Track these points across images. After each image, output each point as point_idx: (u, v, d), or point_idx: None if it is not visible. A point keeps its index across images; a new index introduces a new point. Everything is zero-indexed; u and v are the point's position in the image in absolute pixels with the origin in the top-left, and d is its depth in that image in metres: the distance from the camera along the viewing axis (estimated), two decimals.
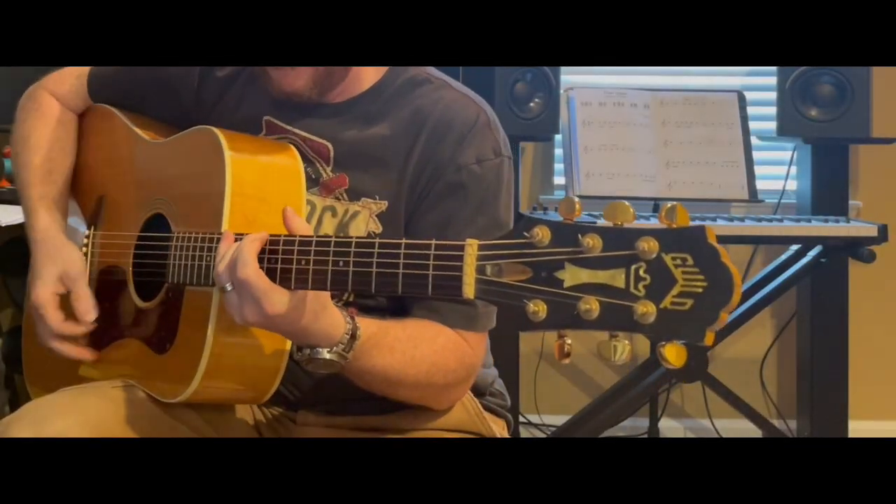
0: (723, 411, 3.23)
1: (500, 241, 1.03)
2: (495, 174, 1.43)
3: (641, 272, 0.95)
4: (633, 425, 3.30)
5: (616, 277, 0.96)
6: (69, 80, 1.64)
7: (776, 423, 3.22)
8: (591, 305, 0.96)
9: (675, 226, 0.95)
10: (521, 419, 3.24)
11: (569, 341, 1.01)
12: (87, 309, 1.46)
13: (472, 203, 1.41)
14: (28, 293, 1.55)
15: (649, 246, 0.95)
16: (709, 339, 0.94)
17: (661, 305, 0.94)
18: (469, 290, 1.05)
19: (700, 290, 0.93)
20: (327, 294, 1.23)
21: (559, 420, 3.22)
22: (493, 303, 1.04)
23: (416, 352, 1.34)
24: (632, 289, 0.95)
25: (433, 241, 1.09)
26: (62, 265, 1.48)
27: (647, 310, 0.94)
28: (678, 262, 0.94)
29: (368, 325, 1.28)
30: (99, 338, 1.50)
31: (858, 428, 3.19)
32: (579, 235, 0.98)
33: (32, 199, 1.57)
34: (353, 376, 1.32)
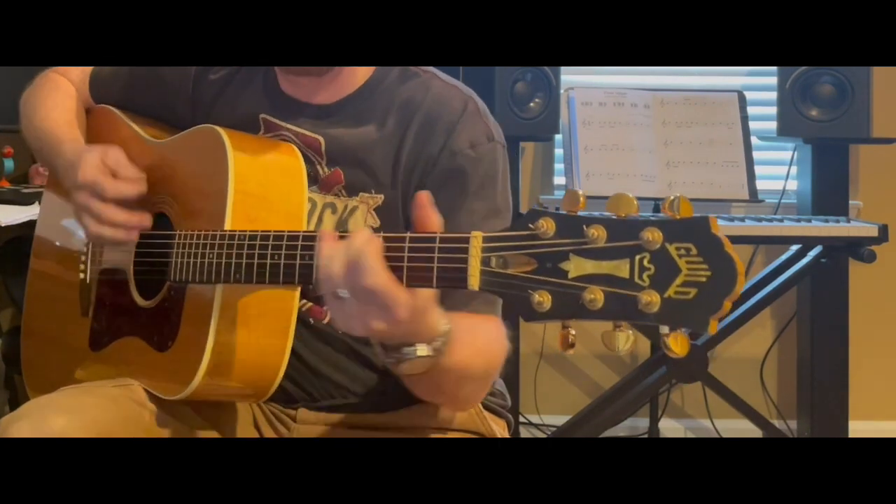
0: (723, 411, 3.23)
1: (505, 232, 1.04)
2: (491, 159, 1.42)
3: (646, 262, 0.96)
4: (633, 425, 3.30)
5: (620, 268, 0.97)
6: (75, 72, 1.65)
7: (776, 423, 3.22)
8: (595, 295, 0.97)
9: (678, 217, 0.96)
10: (521, 419, 3.24)
11: (573, 332, 1.01)
12: (137, 182, 1.41)
13: (470, 187, 1.40)
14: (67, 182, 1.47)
15: (653, 236, 0.95)
16: (712, 327, 0.95)
17: (666, 294, 0.95)
18: (474, 282, 1.05)
19: (704, 279, 0.94)
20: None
21: (559, 420, 3.22)
22: (498, 294, 1.04)
23: (477, 341, 1.29)
24: (636, 279, 0.96)
25: (437, 234, 1.09)
26: (102, 148, 1.43)
27: (651, 299, 0.95)
28: (682, 251, 0.95)
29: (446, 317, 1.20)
30: (99, 337, 1.50)
31: (858, 428, 3.19)
32: (584, 227, 0.98)
33: (56, 140, 1.53)
34: (429, 376, 1.22)
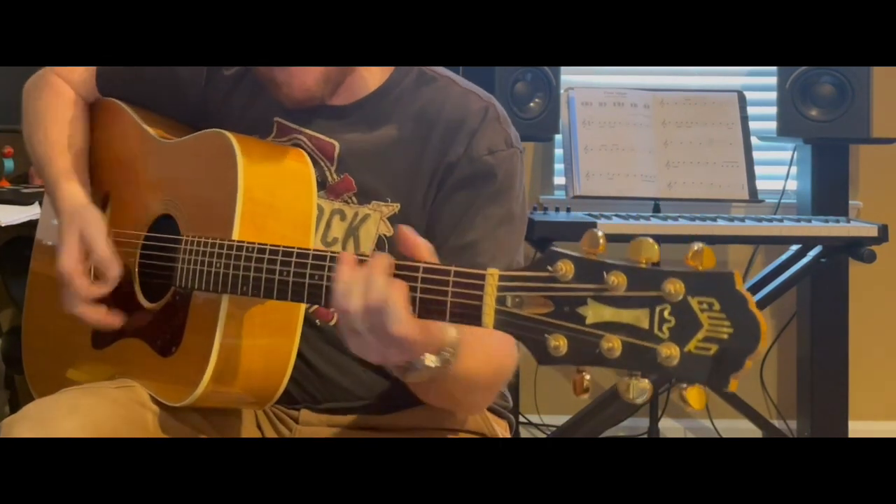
0: (723, 411, 3.23)
1: (522, 272, 1.01)
2: (509, 165, 1.42)
3: (666, 314, 0.93)
4: (633, 425, 3.30)
5: (640, 318, 0.94)
6: (79, 70, 1.62)
7: (776, 423, 3.23)
8: (613, 344, 0.95)
9: (701, 268, 0.93)
10: (521, 419, 3.24)
11: (587, 377, 0.98)
12: (109, 266, 1.42)
13: (485, 193, 1.40)
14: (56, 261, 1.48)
15: (675, 288, 0.93)
16: (733, 385, 0.92)
17: (686, 349, 0.93)
18: (488, 321, 1.03)
19: (726, 336, 0.92)
20: None
21: (559, 420, 3.22)
22: (512, 335, 1.02)
23: (487, 350, 1.27)
24: (656, 330, 0.94)
25: (453, 268, 1.07)
26: (80, 226, 1.45)
27: (670, 352, 0.93)
28: (704, 306, 0.92)
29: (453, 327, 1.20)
30: (102, 336, 1.50)
31: (858, 428, 3.19)
32: (604, 273, 0.96)
33: (54, 173, 1.54)
34: (437, 384, 1.22)
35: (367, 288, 1.07)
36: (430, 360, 1.14)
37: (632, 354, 0.95)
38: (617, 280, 0.96)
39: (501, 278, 1.02)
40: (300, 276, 1.19)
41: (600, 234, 0.98)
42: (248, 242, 1.26)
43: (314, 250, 1.19)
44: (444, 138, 1.42)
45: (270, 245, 1.24)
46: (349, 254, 1.12)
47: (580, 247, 0.99)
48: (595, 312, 0.97)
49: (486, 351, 1.24)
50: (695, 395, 0.94)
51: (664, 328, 0.94)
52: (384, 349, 1.09)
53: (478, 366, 1.23)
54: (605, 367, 0.96)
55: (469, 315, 1.04)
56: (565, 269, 0.98)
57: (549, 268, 0.99)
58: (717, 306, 0.92)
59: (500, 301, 1.02)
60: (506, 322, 1.02)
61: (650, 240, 0.96)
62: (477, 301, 1.03)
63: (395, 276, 1.08)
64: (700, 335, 0.92)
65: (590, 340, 0.96)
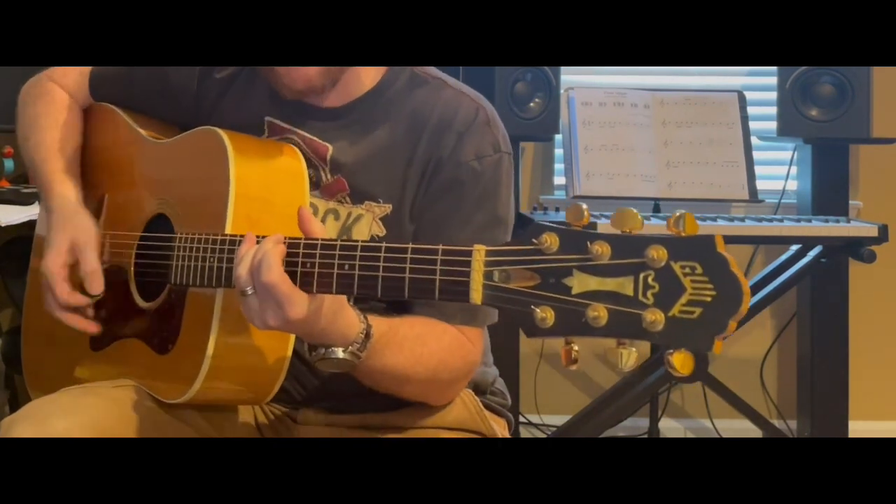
0: (723, 411, 3.23)
1: (508, 246, 1.03)
2: (493, 170, 1.43)
3: (650, 280, 0.95)
4: (633, 425, 3.30)
5: (624, 285, 0.96)
6: (72, 75, 1.63)
7: (776, 423, 3.22)
8: (599, 313, 0.97)
9: (683, 234, 0.95)
10: (521, 419, 3.24)
11: (576, 348, 1.01)
12: (94, 281, 1.43)
13: (470, 199, 1.41)
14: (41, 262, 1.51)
15: (658, 254, 0.95)
16: (717, 347, 0.94)
17: (670, 313, 0.94)
18: (476, 296, 1.05)
19: (709, 298, 0.93)
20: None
21: (559, 420, 3.22)
22: (500, 309, 1.04)
23: (424, 350, 1.34)
24: (640, 296, 0.95)
25: (440, 246, 1.09)
26: (72, 233, 1.46)
27: (655, 318, 0.94)
28: (687, 270, 0.94)
29: (380, 324, 1.28)
30: (100, 338, 1.50)
31: (858, 428, 3.19)
32: (588, 243, 0.98)
33: (47, 174, 1.55)
34: (362, 375, 1.32)
35: (255, 253, 1.19)
36: (338, 353, 1.24)
37: (617, 322, 0.97)
38: (601, 249, 0.97)
39: (488, 253, 1.05)
40: (293, 266, 1.19)
41: (584, 206, 1.00)
42: (241, 235, 1.26)
43: (305, 240, 1.20)
44: (434, 137, 1.42)
45: (261, 237, 1.25)
46: (251, 233, 1.23)
47: (566, 219, 1.01)
48: (580, 282, 0.98)
49: (420, 350, 1.33)
50: (680, 359, 0.95)
51: (648, 294, 0.95)
52: (263, 308, 1.18)
53: (403, 363, 1.32)
54: (592, 336, 0.98)
55: (457, 291, 1.06)
56: (550, 241, 1.00)
57: (535, 241, 1.01)
58: (699, 270, 0.94)
59: (488, 276, 1.04)
60: (493, 296, 1.04)
61: (633, 210, 0.98)
62: (465, 277, 1.06)
63: (386, 257, 1.13)
64: (684, 299, 0.94)
65: (576, 310, 0.98)
